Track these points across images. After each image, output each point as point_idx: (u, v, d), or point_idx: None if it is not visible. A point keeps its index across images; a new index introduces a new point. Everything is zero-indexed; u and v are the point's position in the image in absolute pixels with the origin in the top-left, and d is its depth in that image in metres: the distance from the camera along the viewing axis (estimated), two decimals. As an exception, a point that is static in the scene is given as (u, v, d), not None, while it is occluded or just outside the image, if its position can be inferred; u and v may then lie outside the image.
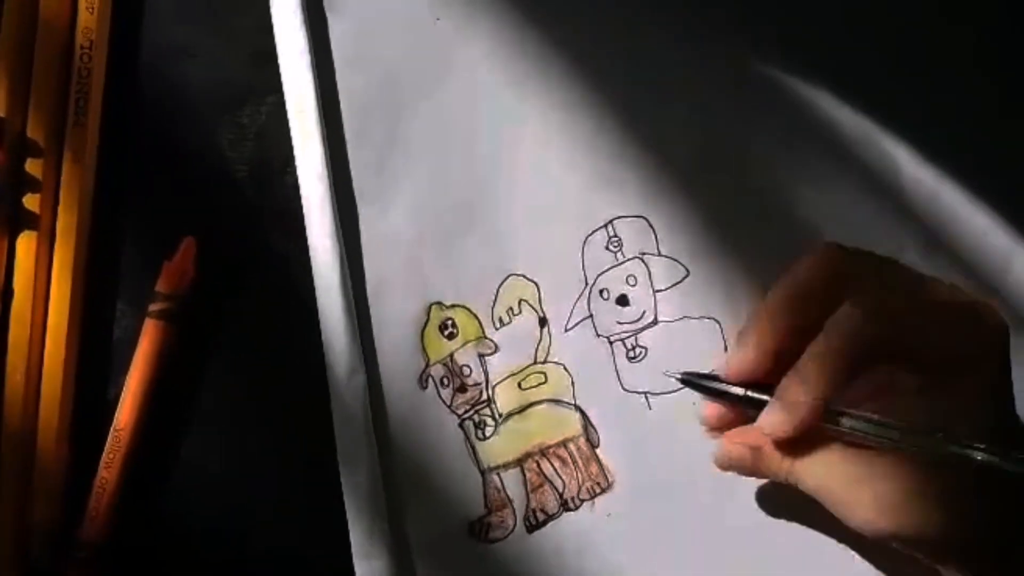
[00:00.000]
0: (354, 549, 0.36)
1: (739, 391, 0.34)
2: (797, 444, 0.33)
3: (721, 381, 0.35)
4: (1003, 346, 0.32)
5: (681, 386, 0.37)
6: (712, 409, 0.36)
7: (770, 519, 0.37)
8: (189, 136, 0.39)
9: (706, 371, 0.36)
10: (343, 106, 0.39)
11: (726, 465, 0.35)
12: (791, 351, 0.33)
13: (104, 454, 0.37)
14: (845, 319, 0.32)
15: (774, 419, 0.33)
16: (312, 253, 0.38)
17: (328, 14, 0.39)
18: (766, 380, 0.34)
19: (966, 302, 0.33)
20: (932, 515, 0.31)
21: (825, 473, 0.33)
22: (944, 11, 0.40)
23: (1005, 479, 0.31)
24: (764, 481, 0.37)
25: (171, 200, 0.39)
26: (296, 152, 0.38)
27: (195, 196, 0.39)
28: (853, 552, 0.36)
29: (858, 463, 0.32)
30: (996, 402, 0.32)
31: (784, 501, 0.36)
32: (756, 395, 0.34)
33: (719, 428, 0.36)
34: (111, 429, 0.37)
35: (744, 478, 0.36)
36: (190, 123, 0.39)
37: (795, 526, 0.37)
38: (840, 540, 0.36)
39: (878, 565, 0.36)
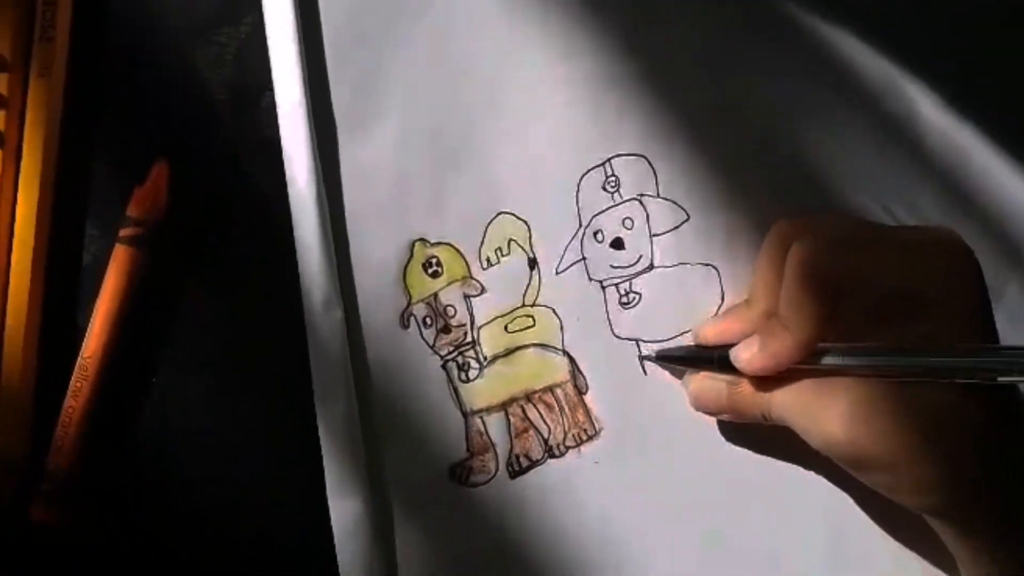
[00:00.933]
0: (328, 488, 0.35)
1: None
2: (769, 380, 0.32)
3: (696, 352, 0.35)
4: (974, 270, 0.31)
5: (674, 335, 0.37)
6: (696, 383, 0.35)
7: (758, 472, 0.36)
8: (164, 55, 0.37)
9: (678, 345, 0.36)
10: (324, 29, 0.37)
11: (699, 402, 0.35)
12: None
13: (71, 382, 0.36)
14: (797, 251, 0.31)
15: (753, 354, 0.32)
16: (289, 181, 0.36)
17: (313, -72, 0.37)
18: None
19: (926, 231, 0.32)
20: (901, 436, 0.30)
21: (795, 400, 0.32)
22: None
23: (983, 415, 0.30)
24: (752, 431, 0.35)
25: (144, 122, 0.37)
26: (274, 76, 0.36)
27: (169, 118, 0.37)
28: (844, 498, 0.35)
29: (828, 384, 0.31)
30: (975, 328, 0.31)
31: (773, 455, 0.36)
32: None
33: (709, 407, 0.35)
34: (79, 357, 0.36)
35: (729, 429, 0.35)
36: (166, 41, 0.37)
37: (783, 480, 0.36)
38: (828, 485, 0.36)
39: (868, 510, 0.35)
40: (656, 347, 0.36)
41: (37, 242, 0.36)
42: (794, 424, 0.32)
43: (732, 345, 0.33)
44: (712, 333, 0.35)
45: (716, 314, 0.36)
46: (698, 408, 0.35)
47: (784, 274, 0.32)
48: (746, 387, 0.33)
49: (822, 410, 0.31)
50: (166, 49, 0.37)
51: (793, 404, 0.32)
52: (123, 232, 0.36)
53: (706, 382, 0.35)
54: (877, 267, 0.31)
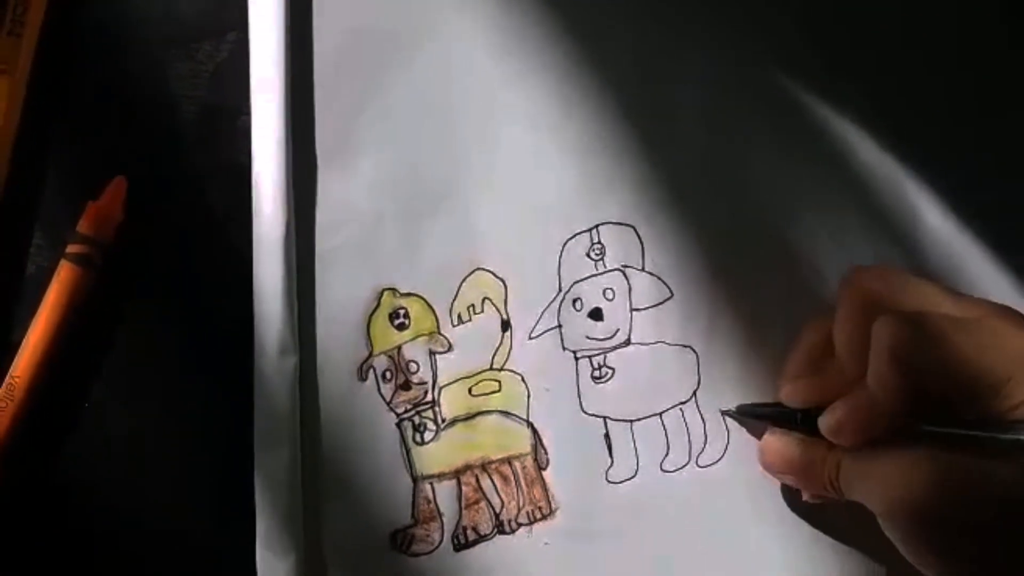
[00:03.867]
0: (259, 541, 0.33)
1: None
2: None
3: (777, 411, 0.34)
4: None
5: (643, 417, 0.35)
6: (769, 439, 0.34)
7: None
8: (138, 65, 0.36)
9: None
10: (316, 57, 0.35)
11: (769, 458, 0.34)
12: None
13: (-4, 401, 0.33)
14: (884, 334, 0.31)
15: (841, 423, 0.31)
16: (256, 213, 0.34)
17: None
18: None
19: (998, 309, 0.32)
20: (974, 509, 0.30)
21: (869, 464, 0.31)
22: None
23: None
24: (714, 534, 0.34)
25: (108, 133, 0.36)
26: (253, 99, 0.35)
27: (135, 133, 0.36)
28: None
29: (907, 452, 0.30)
30: None
31: (736, 562, 0.34)
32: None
33: (778, 465, 0.34)
34: (7, 376, 0.34)
35: (691, 532, 0.34)
36: (140, 52, 0.36)
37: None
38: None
39: None
40: (625, 427, 0.35)
41: (-22, 247, 0.34)
42: (862, 487, 0.31)
43: (813, 406, 0.32)
44: (798, 392, 0.33)
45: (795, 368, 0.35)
46: (766, 465, 0.34)
47: (872, 348, 0.31)
48: (820, 449, 0.32)
49: (897, 474, 0.30)
50: (140, 59, 0.36)
51: (868, 469, 0.31)
52: (71, 248, 0.34)
53: (781, 438, 0.33)
54: (960, 353, 0.30)
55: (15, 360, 0.33)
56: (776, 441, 0.34)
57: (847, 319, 0.32)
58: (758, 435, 0.34)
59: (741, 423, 0.35)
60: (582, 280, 0.36)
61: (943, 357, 0.30)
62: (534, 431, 0.35)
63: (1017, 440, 0.29)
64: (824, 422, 0.32)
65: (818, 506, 0.34)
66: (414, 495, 0.34)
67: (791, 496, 0.35)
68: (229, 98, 0.35)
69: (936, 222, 0.36)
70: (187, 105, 0.36)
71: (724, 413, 0.35)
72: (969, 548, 0.30)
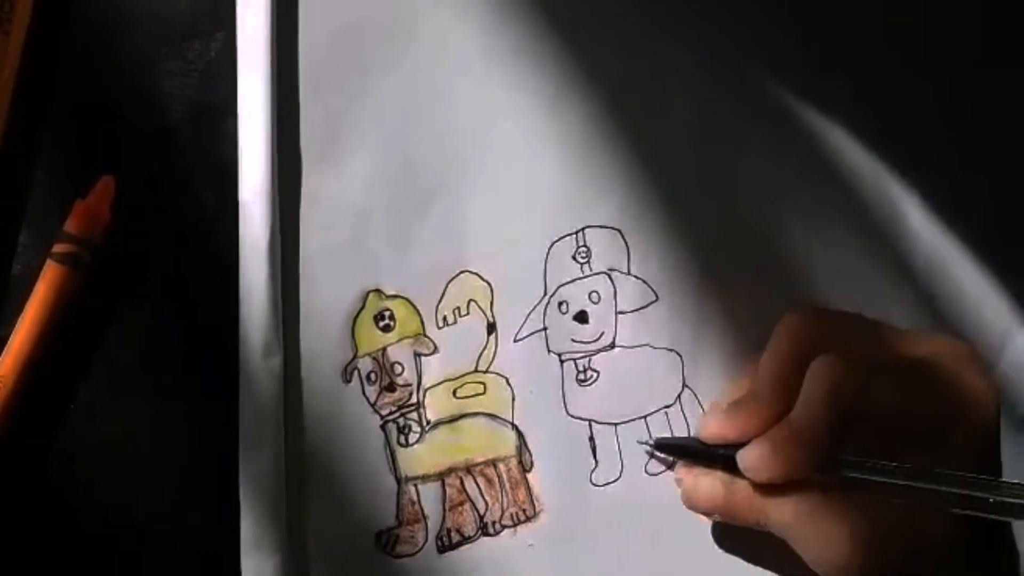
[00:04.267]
0: (243, 542, 0.33)
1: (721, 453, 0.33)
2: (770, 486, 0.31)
3: (696, 445, 0.33)
4: (986, 396, 0.31)
5: (628, 419, 0.35)
6: (691, 479, 0.34)
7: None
8: (126, 63, 0.35)
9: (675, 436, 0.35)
10: (302, 54, 0.35)
11: (692, 500, 0.33)
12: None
13: (-18, 400, 0.33)
14: (825, 372, 0.31)
15: (763, 461, 0.31)
16: (242, 212, 0.34)
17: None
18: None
19: (947, 347, 0.32)
20: (904, 559, 0.30)
21: (796, 512, 0.31)
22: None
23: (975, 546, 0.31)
24: (696, 538, 0.34)
25: (95, 132, 0.35)
26: (240, 98, 0.34)
27: (123, 131, 0.35)
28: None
29: (833, 503, 0.31)
30: (982, 455, 0.31)
31: (718, 566, 0.34)
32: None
33: (703, 504, 0.33)
34: (-6, 374, 0.33)
35: (674, 534, 0.34)
36: (128, 49, 0.35)
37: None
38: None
39: None
40: (609, 430, 0.35)
41: (-36, 246, 0.34)
42: (792, 536, 0.31)
43: (735, 444, 0.32)
44: (714, 428, 0.33)
45: (714, 404, 0.35)
46: (690, 506, 0.33)
47: (804, 386, 0.31)
48: (744, 490, 0.32)
49: (824, 529, 0.31)
50: (129, 57, 0.36)
51: (794, 516, 0.31)
52: (57, 247, 0.34)
53: (703, 479, 0.33)
54: (901, 395, 0.31)
55: (0, 359, 0.33)
56: (697, 480, 0.33)
57: (779, 354, 0.32)
58: (669, 466, 0.35)
59: (658, 459, 0.35)
60: (568, 283, 0.36)
61: (884, 402, 0.31)
62: (519, 433, 0.35)
63: (951, 492, 0.30)
64: (744, 456, 0.31)
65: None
66: (398, 497, 0.34)
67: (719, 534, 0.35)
68: (218, 97, 0.35)
69: (920, 224, 0.36)
70: (176, 104, 0.35)
71: (641, 443, 0.35)
72: None
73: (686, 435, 0.35)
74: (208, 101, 0.35)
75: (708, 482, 0.33)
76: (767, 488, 0.31)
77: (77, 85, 0.36)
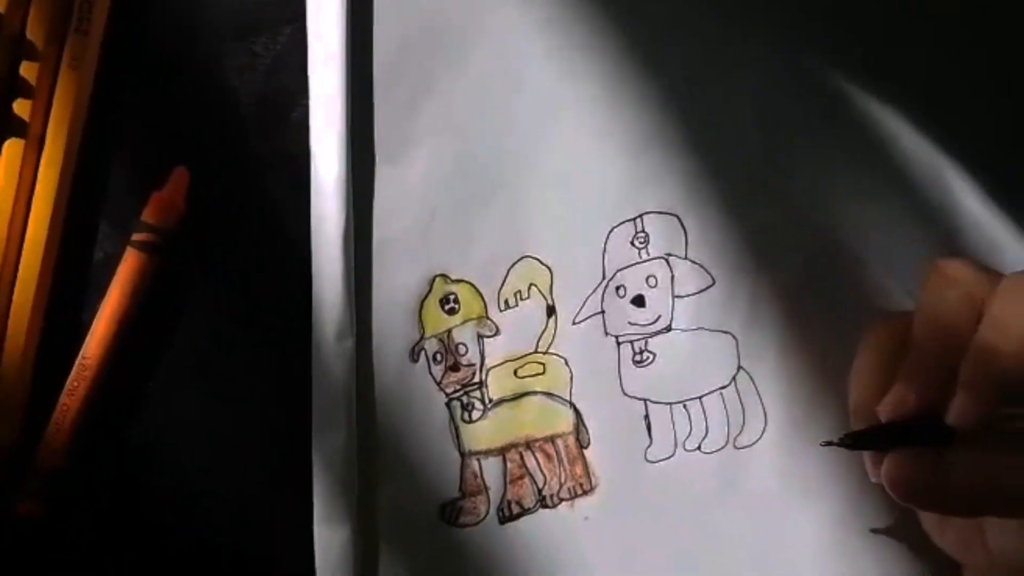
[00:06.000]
0: (316, 515, 0.35)
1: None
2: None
3: (883, 430, 0.31)
4: None
5: (683, 399, 0.36)
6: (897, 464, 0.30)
7: (750, 557, 0.35)
8: (196, 59, 0.36)
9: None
10: (376, 47, 0.36)
11: (897, 484, 0.30)
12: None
13: (69, 381, 0.35)
14: (984, 355, 0.28)
15: (965, 405, 0.29)
16: (314, 203, 0.35)
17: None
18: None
19: None
20: None
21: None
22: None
23: None
24: (749, 515, 0.35)
25: (169, 125, 0.36)
26: (312, 88, 0.35)
27: (194, 124, 0.36)
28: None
29: None
30: None
31: (769, 543, 0.35)
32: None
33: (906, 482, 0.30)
34: (79, 356, 0.35)
35: (723, 513, 0.35)
36: (199, 45, 0.36)
37: (777, 565, 0.35)
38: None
39: None
40: (664, 409, 0.36)
41: (50, 234, 0.35)
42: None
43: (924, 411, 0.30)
44: (901, 398, 0.30)
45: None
46: (895, 492, 0.30)
47: (996, 303, 0.29)
48: (959, 467, 0.29)
49: None
50: (199, 53, 0.36)
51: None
52: (136, 236, 0.35)
53: (906, 458, 0.30)
54: None
55: (85, 342, 0.35)
56: (901, 460, 0.30)
57: (948, 298, 0.30)
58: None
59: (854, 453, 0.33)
60: (626, 268, 0.36)
61: None
62: (576, 411, 0.36)
63: None
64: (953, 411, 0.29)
65: None
66: (462, 470, 0.36)
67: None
68: (285, 90, 0.36)
69: (976, 209, 0.36)
70: (245, 97, 0.36)
71: (825, 444, 0.31)
72: None
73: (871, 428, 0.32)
74: (274, 94, 0.36)
75: (913, 460, 0.29)
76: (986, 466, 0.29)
77: (151, 81, 0.36)
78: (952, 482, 0.29)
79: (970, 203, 0.36)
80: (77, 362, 0.35)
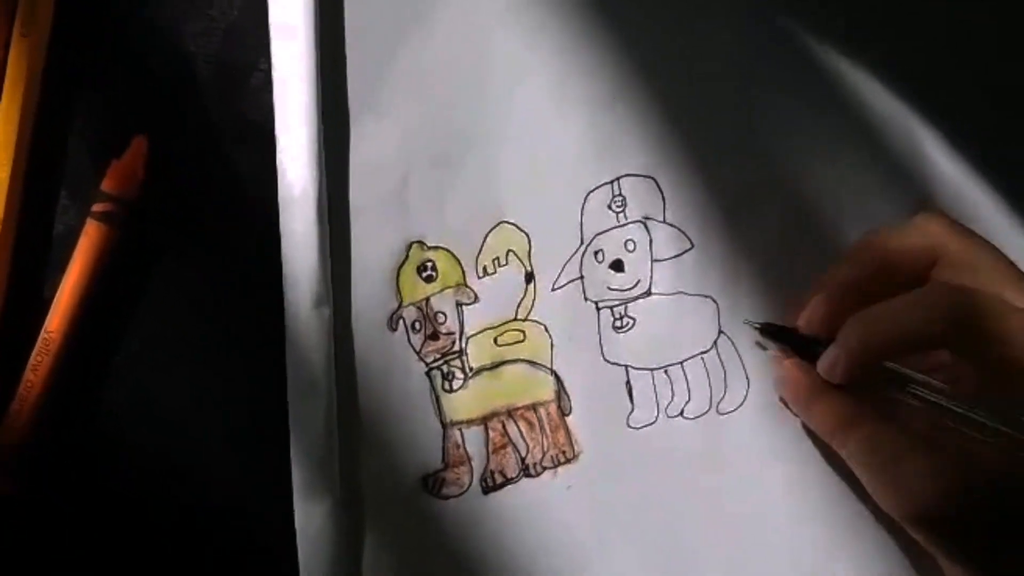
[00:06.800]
0: (296, 489, 0.34)
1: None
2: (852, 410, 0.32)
3: (795, 334, 0.34)
4: None
5: (664, 365, 0.36)
6: (786, 369, 0.34)
7: (734, 522, 0.35)
8: (152, 25, 0.35)
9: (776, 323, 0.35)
10: (347, 10, 0.35)
11: (779, 386, 0.35)
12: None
13: (32, 356, 0.34)
14: (933, 296, 0.31)
15: (832, 362, 0.32)
16: (282, 168, 0.34)
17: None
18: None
19: None
20: (981, 493, 0.30)
21: (872, 441, 0.31)
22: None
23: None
24: (733, 480, 0.35)
25: (127, 92, 0.35)
26: (274, 52, 0.34)
27: (153, 91, 0.35)
28: (811, 538, 0.35)
29: (909, 435, 0.31)
30: None
31: (752, 507, 0.35)
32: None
33: (784, 386, 0.35)
34: (42, 331, 0.34)
35: (706, 479, 0.35)
36: (154, 10, 0.35)
37: (759, 528, 0.35)
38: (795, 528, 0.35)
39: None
40: (644, 375, 0.36)
41: (7, 206, 0.34)
42: (865, 468, 0.32)
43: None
44: (817, 316, 0.33)
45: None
46: (777, 390, 0.35)
47: (911, 297, 0.31)
48: (828, 397, 0.33)
49: (904, 463, 0.30)
50: (155, 18, 0.35)
51: (870, 447, 0.31)
52: (96, 207, 0.34)
53: (793, 372, 0.34)
54: (991, 342, 0.30)
55: (48, 316, 0.34)
56: (789, 371, 0.34)
57: (905, 246, 0.33)
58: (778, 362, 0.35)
59: (762, 343, 0.35)
60: (604, 232, 0.36)
61: (995, 330, 0.30)
62: (557, 379, 0.36)
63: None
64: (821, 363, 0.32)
65: None
66: (444, 440, 0.35)
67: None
68: (243, 55, 0.35)
69: (950, 169, 0.36)
70: (202, 62, 0.35)
71: (747, 322, 0.35)
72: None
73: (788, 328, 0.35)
74: (231, 59, 0.35)
75: (797, 376, 0.34)
76: (846, 406, 0.32)
77: (107, 49, 0.35)
78: (813, 408, 0.33)
79: (944, 163, 0.37)
80: (41, 335, 0.34)
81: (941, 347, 0.32)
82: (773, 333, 0.35)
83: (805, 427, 0.35)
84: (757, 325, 0.35)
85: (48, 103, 0.35)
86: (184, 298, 0.35)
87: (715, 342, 0.36)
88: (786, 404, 0.35)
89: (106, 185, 0.34)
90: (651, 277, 0.36)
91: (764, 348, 0.35)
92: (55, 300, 0.34)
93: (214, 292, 0.35)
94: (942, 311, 0.31)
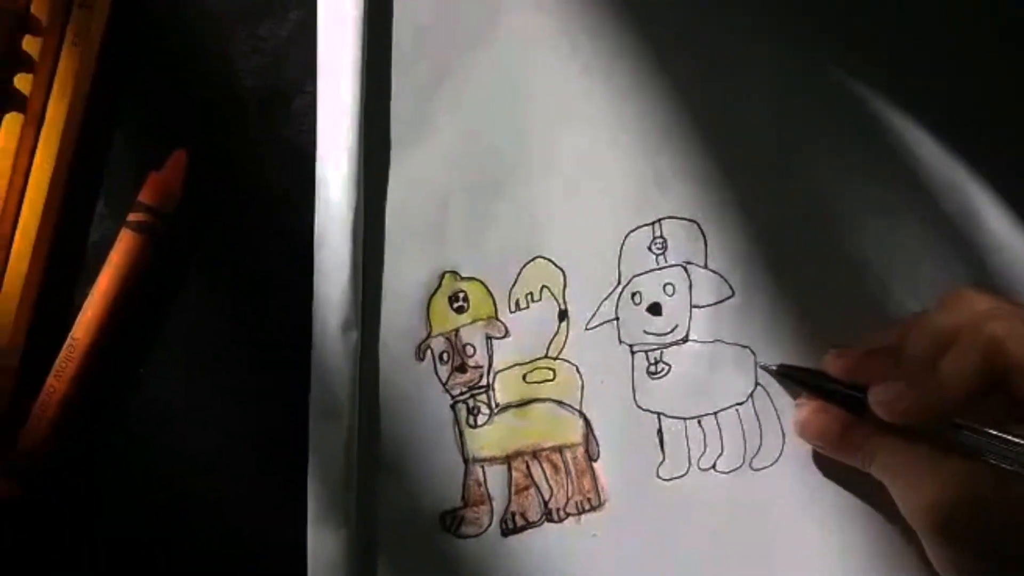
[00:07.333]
0: (311, 514, 0.33)
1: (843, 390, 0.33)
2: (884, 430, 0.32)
3: (822, 379, 0.33)
4: None
5: (698, 415, 0.35)
6: (809, 412, 0.34)
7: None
8: (200, 41, 0.36)
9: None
10: (395, 34, 0.35)
11: (807, 430, 0.34)
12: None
13: (57, 361, 0.34)
14: (998, 328, 0.30)
15: (898, 397, 0.31)
16: (321, 191, 0.34)
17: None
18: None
19: None
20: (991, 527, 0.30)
21: (905, 456, 0.31)
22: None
23: None
24: (764, 538, 0.34)
25: (170, 106, 0.36)
26: (320, 78, 0.34)
27: (196, 107, 0.36)
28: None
29: (942, 454, 0.31)
30: None
31: (784, 568, 0.34)
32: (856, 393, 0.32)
33: (812, 433, 0.34)
34: (68, 336, 0.34)
35: (738, 534, 0.34)
36: (204, 28, 0.36)
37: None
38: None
39: None
40: (678, 424, 0.34)
41: (46, 212, 0.34)
42: (895, 480, 0.31)
43: (859, 386, 0.32)
44: (850, 365, 0.33)
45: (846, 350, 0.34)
46: (802, 435, 0.34)
47: (963, 336, 0.30)
48: (858, 430, 0.32)
49: (929, 476, 0.31)
50: (204, 35, 0.36)
51: (903, 461, 0.31)
52: (132, 216, 0.34)
53: (821, 414, 0.33)
54: None
55: (76, 322, 0.34)
56: (815, 413, 0.33)
57: (943, 314, 0.32)
58: (793, 395, 0.34)
59: (779, 382, 0.34)
60: (642, 274, 0.35)
61: None
62: (586, 422, 0.35)
63: None
64: (879, 390, 0.31)
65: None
66: (465, 477, 0.34)
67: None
68: (289, 76, 0.35)
69: (996, 219, 0.35)
70: (248, 82, 0.35)
71: (763, 368, 0.34)
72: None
73: (808, 368, 0.34)
74: (277, 81, 0.35)
75: (825, 417, 0.33)
76: (881, 432, 0.31)
77: (154, 62, 0.36)
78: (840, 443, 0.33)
79: (989, 210, 0.35)
80: (67, 342, 0.34)
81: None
82: (792, 376, 0.34)
83: (841, 487, 0.34)
84: (773, 367, 0.34)
85: (94, 112, 0.35)
86: (212, 313, 0.35)
87: (751, 394, 0.35)
88: (813, 448, 0.34)
89: (143, 196, 0.34)
90: (689, 323, 0.35)
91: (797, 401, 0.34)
92: (84, 306, 0.34)
93: (242, 309, 0.35)
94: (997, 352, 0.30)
